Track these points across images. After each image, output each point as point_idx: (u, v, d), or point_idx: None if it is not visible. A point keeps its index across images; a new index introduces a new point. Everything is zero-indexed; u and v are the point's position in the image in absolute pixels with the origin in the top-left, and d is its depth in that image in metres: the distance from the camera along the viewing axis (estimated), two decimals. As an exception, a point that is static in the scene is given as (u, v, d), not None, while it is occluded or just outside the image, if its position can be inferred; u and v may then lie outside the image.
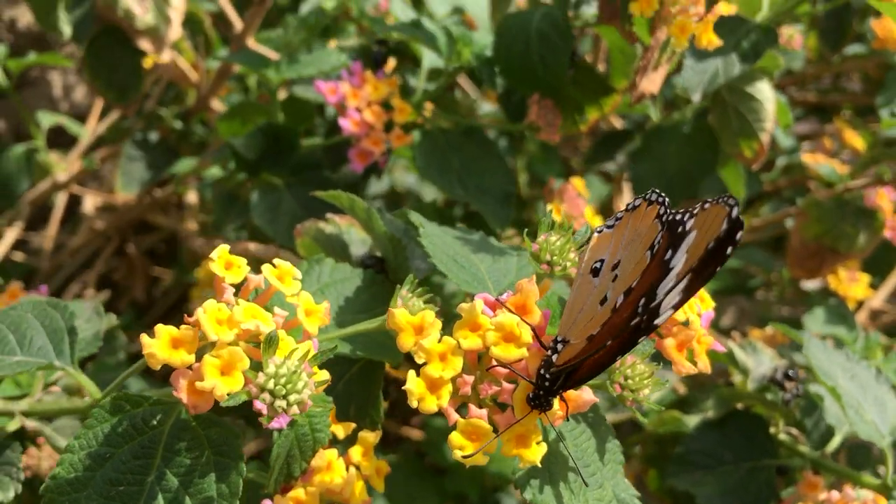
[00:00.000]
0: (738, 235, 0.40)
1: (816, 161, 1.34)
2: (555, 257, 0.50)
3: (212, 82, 1.11)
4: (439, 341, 0.47)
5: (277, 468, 0.53)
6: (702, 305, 0.58)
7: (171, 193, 1.16)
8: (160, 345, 0.47)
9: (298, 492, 0.53)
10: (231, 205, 0.94)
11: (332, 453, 0.54)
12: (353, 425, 0.57)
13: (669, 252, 0.43)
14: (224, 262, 0.50)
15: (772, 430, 0.84)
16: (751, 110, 1.00)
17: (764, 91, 0.99)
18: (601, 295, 0.46)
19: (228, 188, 0.93)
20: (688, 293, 0.42)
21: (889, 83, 1.32)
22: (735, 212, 0.40)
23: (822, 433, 0.85)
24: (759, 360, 0.90)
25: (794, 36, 1.09)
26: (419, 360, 0.47)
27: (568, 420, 0.50)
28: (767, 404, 0.83)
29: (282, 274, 0.51)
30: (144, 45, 1.04)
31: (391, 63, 0.91)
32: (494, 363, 0.48)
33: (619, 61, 0.91)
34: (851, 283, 1.32)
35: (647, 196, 0.46)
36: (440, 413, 0.48)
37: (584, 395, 0.49)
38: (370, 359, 0.60)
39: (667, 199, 0.45)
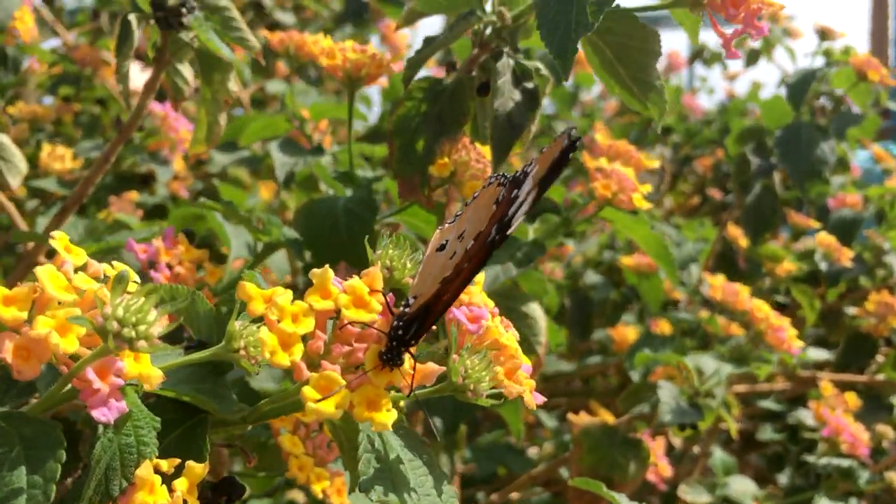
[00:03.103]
0: (578, 143, 0.46)
1: (580, 418, 1.45)
2: (394, 262, 0.54)
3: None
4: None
5: (96, 478, 0.47)
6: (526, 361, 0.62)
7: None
8: (-10, 298, 0.44)
9: (116, 511, 0.47)
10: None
11: (157, 478, 0.49)
12: (178, 460, 0.52)
13: (515, 191, 0.48)
14: (64, 245, 0.49)
15: None
16: (527, 326, 1.11)
17: (536, 311, 1.11)
18: (450, 254, 0.49)
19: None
20: (536, 199, 0.46)
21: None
22: (574, 132, 0.46)
23: None
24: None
25: (555, 269, 1.25)
26: (272, 317, 0.47)
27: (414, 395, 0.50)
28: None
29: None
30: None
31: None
32: (346, 322, 0.48)
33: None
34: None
35: (487, 182, 0.52)
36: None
37: (429, 366, 0.50)
38: (194, 419, 0.57)
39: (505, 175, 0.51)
